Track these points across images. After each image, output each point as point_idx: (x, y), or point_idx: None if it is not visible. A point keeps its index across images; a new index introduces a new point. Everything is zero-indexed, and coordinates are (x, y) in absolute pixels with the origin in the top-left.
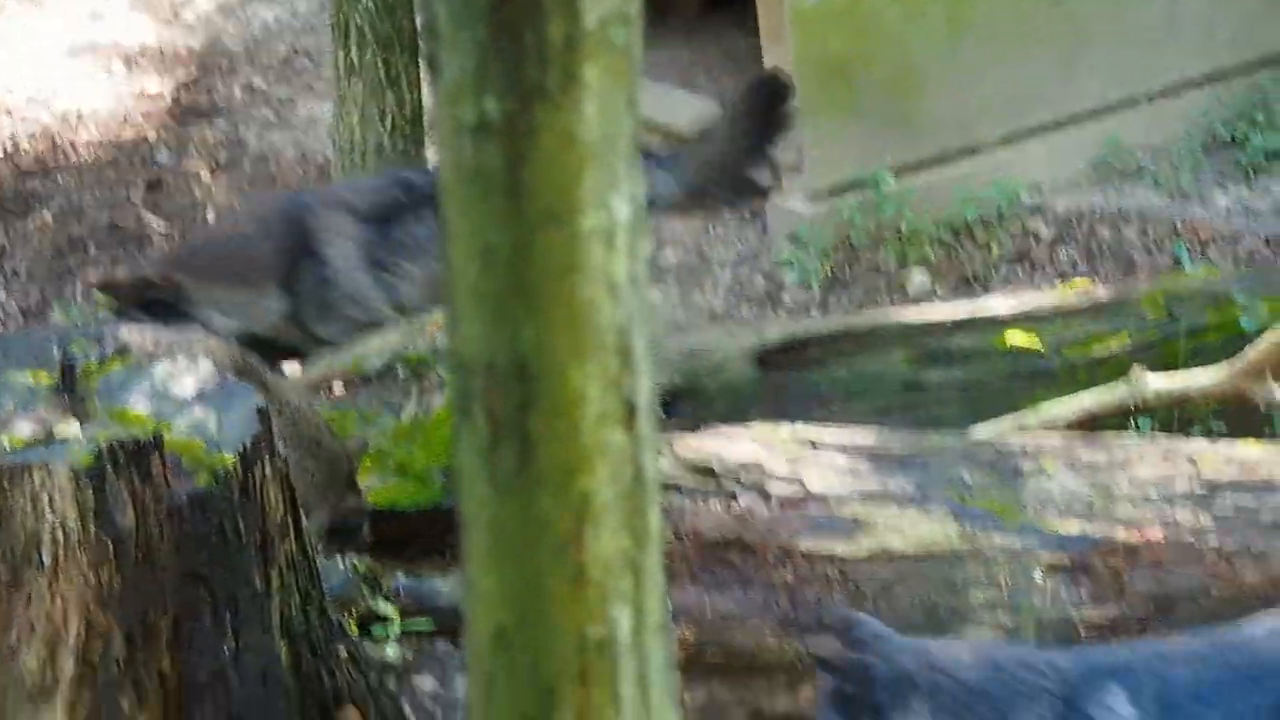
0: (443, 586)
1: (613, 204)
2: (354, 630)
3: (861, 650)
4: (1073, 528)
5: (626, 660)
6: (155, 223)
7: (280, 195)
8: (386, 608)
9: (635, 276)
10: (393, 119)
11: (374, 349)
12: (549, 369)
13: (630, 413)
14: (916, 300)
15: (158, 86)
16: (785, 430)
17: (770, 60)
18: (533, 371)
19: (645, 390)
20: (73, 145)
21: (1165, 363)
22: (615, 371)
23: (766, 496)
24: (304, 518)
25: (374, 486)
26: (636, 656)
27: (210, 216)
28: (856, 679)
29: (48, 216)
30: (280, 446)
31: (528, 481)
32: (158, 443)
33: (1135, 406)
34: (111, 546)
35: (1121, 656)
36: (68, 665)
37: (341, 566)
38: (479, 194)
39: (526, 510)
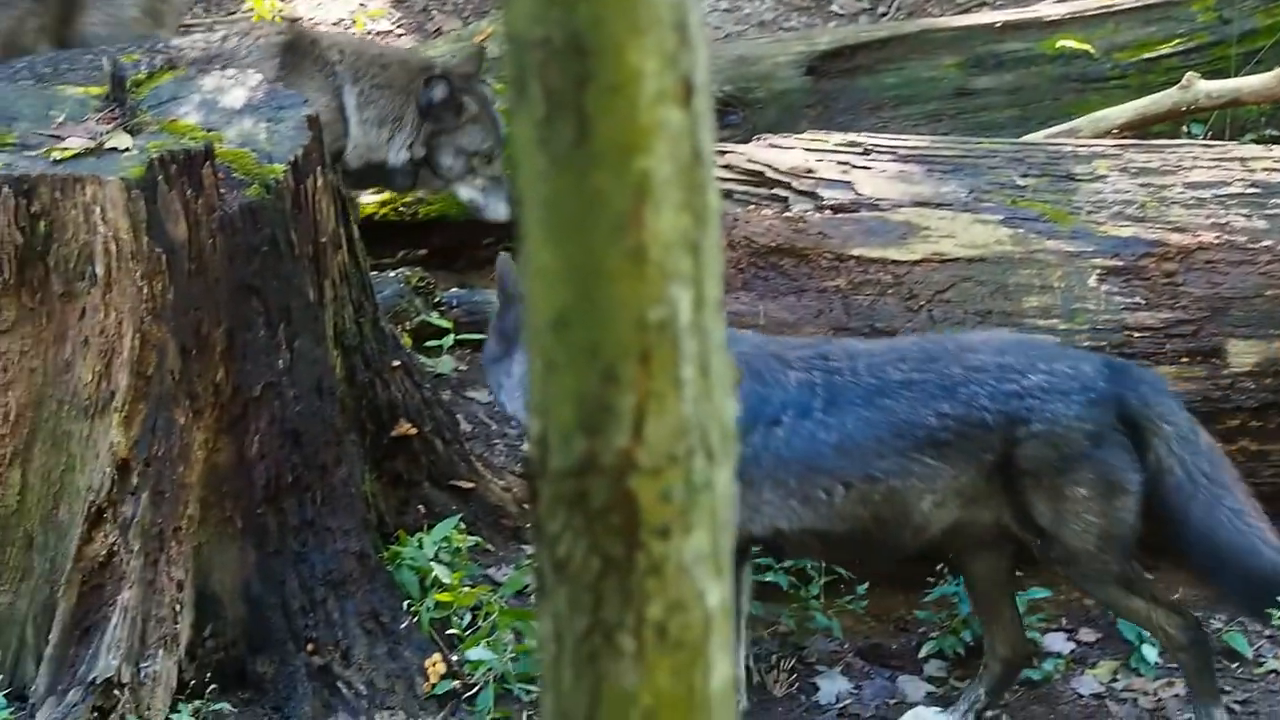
0: (490, 299)
1: None
2: (407, 342)
3: None
4: (1126, 231)
5: (687, 341)
6: None
7: None
8: (439, 319)
9: None
10: None
11: None
12: (605, 44)
13: (687, 90)
14: (966, 6)
15: None
16: (836, 137)
17: None
18: (589, 46)
19: (702, 67)
20: None
21: (1217, 67)
22: (672, 47)
23: (819, 203)
24: (355, 229)
25: (422, 199)
26: (697, 337)
27: None
28: None
29: None
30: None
31: (585, 157)
32: (209, 153)
33: (1187, 110)
34: (164, 258)
35: None
36: (122, 378)
37: (393, 276)
38: None
39: (583, 186)
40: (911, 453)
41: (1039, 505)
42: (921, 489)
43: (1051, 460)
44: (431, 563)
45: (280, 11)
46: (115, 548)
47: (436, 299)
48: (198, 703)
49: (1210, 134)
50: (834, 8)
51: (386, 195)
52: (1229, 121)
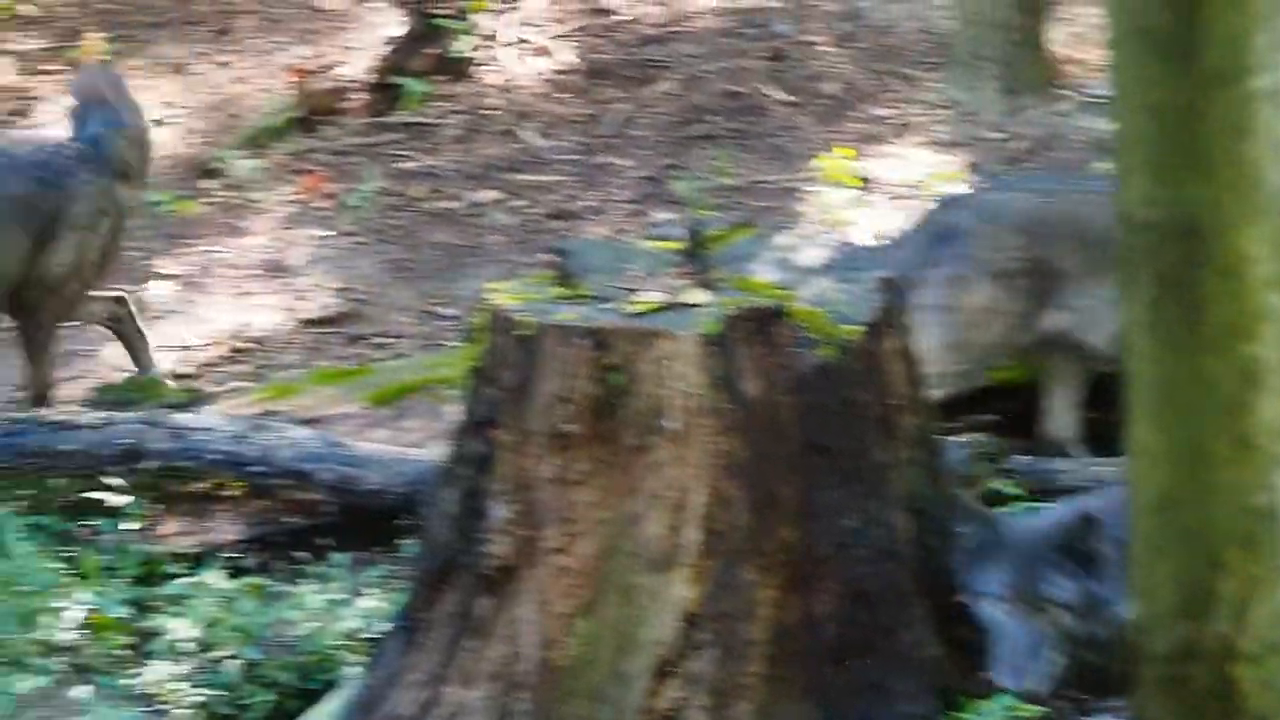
0: (1061, 466)
1: None
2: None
3: None
4: None
5: None
6: (775, 94)
7: None
8: (1008, 486)
9: None
10: None
11: None
12: (1216, 229)
13: None
14: None
15: None
16: None
17: None
18: (1199, 231)
19: None
20: (692, 13)
21: None
22: None
23: None
24: (925, 392)
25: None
26: None
27: (832, 89)
28: None
29: (669, 84)
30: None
31: (1193, 341)
32: (783, 312)
33: None
34: (737, 415)
35: None
36: (692, 533)
37: (961, 441)
38: (1147, 52)
39: (1191, 370)
40: None
41: None
42: None
43: None
44: None
45: (851, 171)
46: (682, 703)
47: (1004, 465)
48: None
49: None
50: None
51: None
52: None
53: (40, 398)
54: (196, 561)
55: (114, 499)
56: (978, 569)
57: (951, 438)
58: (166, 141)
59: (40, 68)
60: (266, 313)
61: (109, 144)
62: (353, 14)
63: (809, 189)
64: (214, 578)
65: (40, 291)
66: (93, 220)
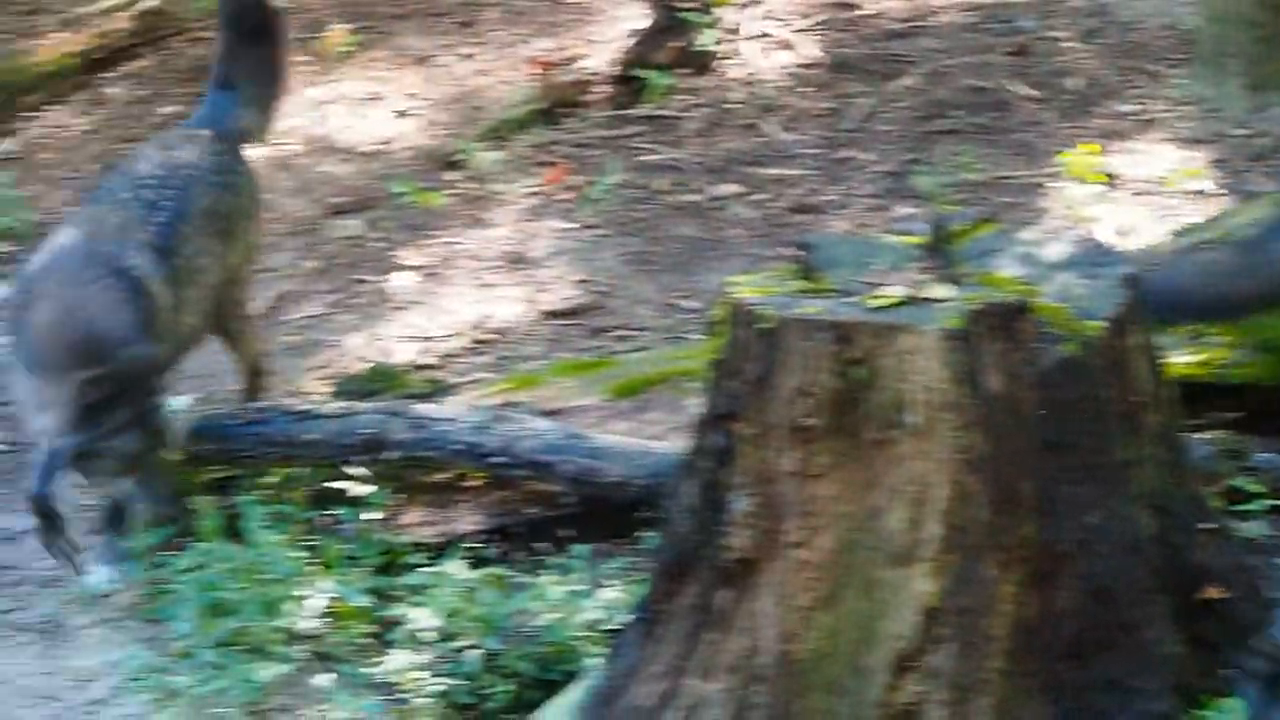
0: None
1: None
2: (1217, 505)
3: None
4: None
5: None
6: (1020, 89)
7: None
8: (1251, 484)
9: None
10: None
11: None
12: None
13: None
14: None
15: None
16: None
17: None
18: None
19: None
20: (936, 8)
21: None
22: None
23: None
24: (1168, 389)
25: (1236, 361)
26: None
27: (1076, 85)
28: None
29: (913, 79)
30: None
31: None
32: (1026, 307)
33: None
34: (979, 409)
35: None
36: (933, 527)
37: (1204, 438)
38: None
39: None
40: None
41: None
42: None
43: None
44: None
45: (1095, 167)
46: (921, 698)
47: (1248, 463)
48: None
49: None
50: None
51: (1202, 355)
52: None
53: (260, 389)
54: (437, 551)
55: (356, 488)
56: None
57: (1195, 435)
58: (408, 133)
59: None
60: (508, 304)
61: (236, 121)
62: (595, 7)
63: (1053, 184)
64: (455, 568)
65: (237, 289)
66: (255, 206)
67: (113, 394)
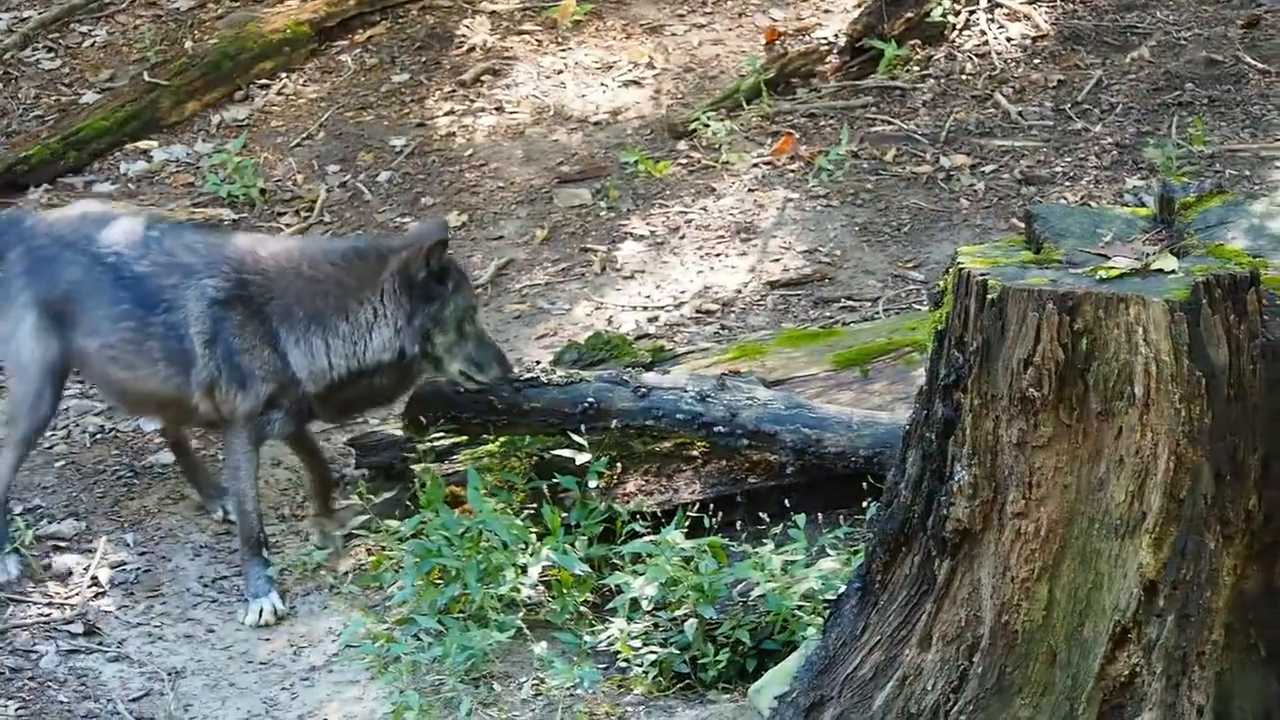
0: None
1: None
2: None
3: None
4: None
5: None
6: (1252, 62)
7: None
8: None
9: None
10: None
11: None
12: None
13: None
14: None
15: None
16: None
17: None
18: None
19: None
20: None
21: None
22: None
23: None
24: None
25: None
26: None
27: None
28: None
29: (1145, 51)
30: None
31: None
32: (1254, 279)
33: None
34: (1204, 382)
35: None
36: (1155, 499)
37: None
38: None
39: None
40: None
41: None
42: None
43: None
44: None
45: None
46: (1138, 669)
47: None
48: None
49: None
50: None
51: None
52: None
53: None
54: (657, 520)
55: (579, 457)
56: None
57: None
58: (638, 103)
59: (518, 28)
60: (734, 274)
61: None
62: None
63: None
64: (674, 536)
65: None
66: None
67: None
